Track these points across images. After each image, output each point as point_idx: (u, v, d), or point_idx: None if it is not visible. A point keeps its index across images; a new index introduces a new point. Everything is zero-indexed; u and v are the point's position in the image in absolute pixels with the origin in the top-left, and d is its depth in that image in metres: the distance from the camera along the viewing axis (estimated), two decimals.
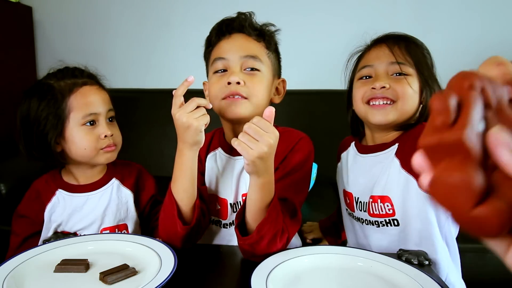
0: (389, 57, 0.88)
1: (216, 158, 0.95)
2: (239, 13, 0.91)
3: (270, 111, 0.71)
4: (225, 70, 0.87)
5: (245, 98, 0.84)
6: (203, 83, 0.96)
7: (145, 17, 2.27)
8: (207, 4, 2.18)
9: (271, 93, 0.91)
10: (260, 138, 0.69)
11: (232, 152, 0.93)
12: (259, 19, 0.92)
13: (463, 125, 0.25)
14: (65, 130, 0.92)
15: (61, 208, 0.95)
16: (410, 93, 0.86)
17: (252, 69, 0.86)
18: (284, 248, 0.79)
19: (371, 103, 0.88)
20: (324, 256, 0.74)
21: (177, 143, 0.80)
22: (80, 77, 0.96)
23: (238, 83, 0.83)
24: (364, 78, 0.91)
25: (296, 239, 0.96)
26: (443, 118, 0.26)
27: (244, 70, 0.86)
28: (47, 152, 0.93)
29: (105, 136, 0.94)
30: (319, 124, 1.93)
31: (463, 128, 0.25)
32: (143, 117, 2.10)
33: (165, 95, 2.18)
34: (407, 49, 0.89)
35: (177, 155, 0.81)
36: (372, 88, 0.87)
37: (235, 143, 0.70)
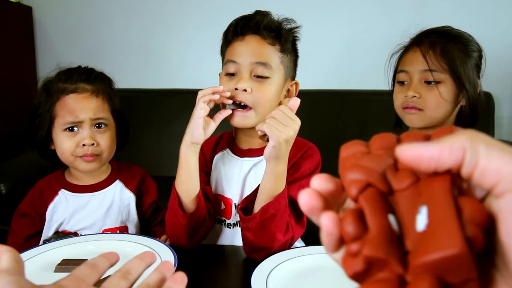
0: (422, 64, 0.90)
1: (223, 159, 0.96)
2: (257, 12, 0.90)
3: (295, 102, 0.78)
4: (235, 74, 0.87)
5: (250, 108, 0.85)
6: (219, 74, 0.94)
7: (145, 17, 2.27)
8: (208, 4, 2.18)
9: (280, 97, 0.90)
10: (287, 123, 0.75)
11: (239, 153, 0.94)
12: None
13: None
14: (52, 131, 0.93)
15: (63, 208, 0.95)
16: (438, 102, 0.89)
17: (262, 76, 0.85)
18: (287, 248, 0.80)
19: (405, 109, 0.94)
20: (324, 256, 0.74)
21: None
22: (75, 82, 0.93)
23: (245, 90, 0.84)
24: (400, 83, 0.96)
25: (299, 244, 0.97)
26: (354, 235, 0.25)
27: (254, 76, 0.86)
28: (42, 146, 0.94)
29: (84, 144, 0.90)
30: (319, 124, 1.93)
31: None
32: (142, 117, 2.10)
33: (165, 95, 2.20)
34: (442, 52, 0.89)
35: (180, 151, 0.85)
36: (405, 95, 0.93)
37: (263, 126, 0.75)
